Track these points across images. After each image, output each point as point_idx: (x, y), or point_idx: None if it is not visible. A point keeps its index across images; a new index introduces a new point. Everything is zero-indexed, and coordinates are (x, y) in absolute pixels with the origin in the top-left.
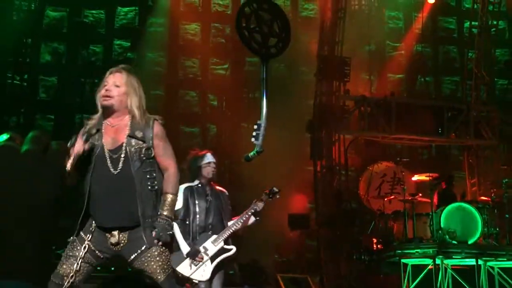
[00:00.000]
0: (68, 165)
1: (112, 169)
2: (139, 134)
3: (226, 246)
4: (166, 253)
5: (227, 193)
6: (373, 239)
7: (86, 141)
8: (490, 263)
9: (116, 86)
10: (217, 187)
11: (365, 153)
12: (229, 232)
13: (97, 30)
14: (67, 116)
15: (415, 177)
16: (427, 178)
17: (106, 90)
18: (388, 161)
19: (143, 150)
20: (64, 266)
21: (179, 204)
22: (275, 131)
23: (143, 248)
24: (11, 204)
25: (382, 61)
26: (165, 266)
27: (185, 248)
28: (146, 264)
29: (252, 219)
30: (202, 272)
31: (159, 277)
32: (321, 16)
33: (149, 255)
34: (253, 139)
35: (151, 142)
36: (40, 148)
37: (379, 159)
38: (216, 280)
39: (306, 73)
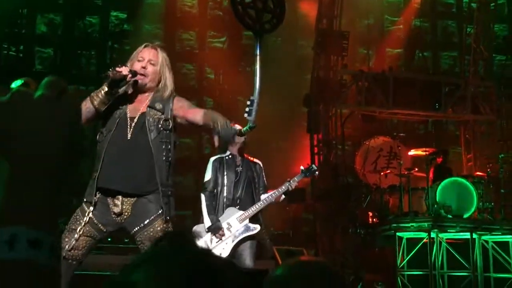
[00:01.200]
0: (103, 93)
1: (130, 134)
2: (158, 106)
3: (250, 225)
4: (169, 230)
5: (261, 164)
6: (369, 213)
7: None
8: (484, 237)
9: (152, 64)
10: (251, 158)
11: (362, 128)
12: (256, 209)
13: (93, 1)
14: None
15: (411, 152)
16: (424, 153)
17: (142, 67)
18: (385, 136)
19: (161, 121)
20: (66, 239)
21: (207, 176)
22: (272, 105)
23: (146, 222)
24: (25, 150)
25: (381, 35)
26: None
27: (207, 222)
28: (148, 238)
29: (283, 196)
30: (222, 249)
31: None
32: None
33: (151, 229)
34: (246, 115)
35: (169, 114)
36: (55, 92)
37: (376, 133)
38: (248, 250)
39: (305, 47)
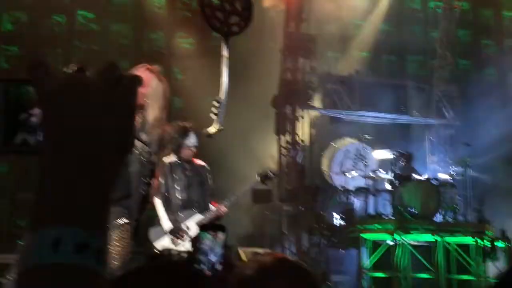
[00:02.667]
0: None
1: None
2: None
3: None
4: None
5: (207, 167)
6: (335, 214)
7: None
8: (447, 239)
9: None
10: (197, 162)
11: (328, 130)
12: (214, 215)
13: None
14: None
15: (377, 154)
16: (389, 155)
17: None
18: (351, 137)
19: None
20: None
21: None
22: (241, 106)
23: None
24: (77, 144)
25: (348, 39)
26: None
27: (167, 224)
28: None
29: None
30: (182, 248)
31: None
32: None
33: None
34: (212, 116)
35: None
36: (111, 80)
37: (343, 135)
38: None
39: (273, 49)
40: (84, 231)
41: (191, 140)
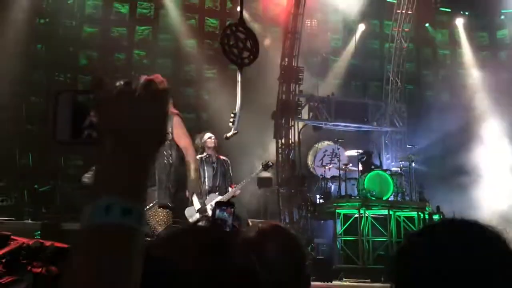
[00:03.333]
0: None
1: None
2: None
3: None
4: (165, 212)
5: (229, 161)
6: (317, 195)
7: None
8: (398, 213)
9: None
10: (221, 157)
11: (312, 135)
12: (231, 195)
13: (120, 43)
14: None
15: (347, 152)
16: (356, 153)
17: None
18: (329, 141)
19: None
20: None
21: None
22: (249, 118)
23: (150, 205)
24: (124, 136)
25: (326, 70)
26: (164, 220)
27: (197, 204)
28: (150, 218)
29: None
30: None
31: (158, 228)
32: (283, 37)
33: (154, 211)
34: (230, 124)
35: (170, 128)
36: (149, 91)
37: (322, 139)
38: None
39: (272, 78)
40: (128, 200)
41: (208, 134)
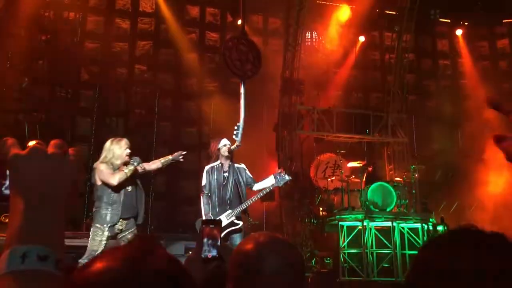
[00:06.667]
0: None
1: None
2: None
3: (235, 221)
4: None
5: (244, 166)
6: (320, 208)
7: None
8: (401, 225)
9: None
10: (236, 164)
11: (314, 147)
12: (241, 209)
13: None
14: None
15: (350, 164)
16: (358, 165)
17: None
18: (331, 153)
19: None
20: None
21: (203, 181)
22: (252, 131)
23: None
24: (40, 190)
25: (327, 81)
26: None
27: (204, 218)
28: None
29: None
30: None
31: None
32: (284, 49)
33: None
34: (234, 136)
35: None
36: (62, 152)
37: (324, 151)
38: (236, 238)
39: (274, 90)
40: (45, 248)
41: (224, 141)
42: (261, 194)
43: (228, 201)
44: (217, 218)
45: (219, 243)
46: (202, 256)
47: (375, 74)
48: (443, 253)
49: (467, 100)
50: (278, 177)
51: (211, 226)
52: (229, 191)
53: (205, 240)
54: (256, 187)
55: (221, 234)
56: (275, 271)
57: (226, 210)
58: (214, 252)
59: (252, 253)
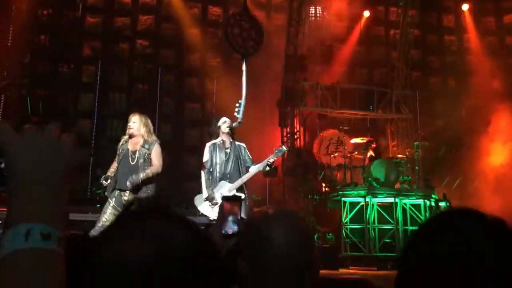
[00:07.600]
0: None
1: (130, 161)
2: (146, 146)
3: (236, 193)
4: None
5: (244, 145)
6: (322, 184)
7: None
8: (403, 201)
9: (134, 122)
10: (237, 142)
11: (317, 123)
12: (240, 183)
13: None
14: None
15: (353, 140)
16: (361, 141)
17: (129, 127)
18: (334, 129)
19: (146, 154)
20: (103, 218)
21: (205, 157)
22: (255, 106)
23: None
24: (37, 171)
25: (331, 57)
26: None
27: (205, 193)
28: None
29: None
30: (216, 212)
31: None
32: (287, 25)
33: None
34: (236, 114)
35: (152, 153)
36: (58, 131)
37: (328, 127)
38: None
39: (277, 66)
40: (47, 226)
41: (224, 119)
42: (266, 167)
43: (228, 175)
44: (218, 193)
45: (240, 219)
46: (223, 232)
47: (379, 49)
48: (437, 231)
49: (473, 76)
50: (275, 150)
51: (231, 202)
52: (230, 167)
53: (226, 216)
54: (253, 168)
55: (241, 210)
56: (283, 239)
57: (226, 184)
58: (235, 228)
59: (261, 223)
